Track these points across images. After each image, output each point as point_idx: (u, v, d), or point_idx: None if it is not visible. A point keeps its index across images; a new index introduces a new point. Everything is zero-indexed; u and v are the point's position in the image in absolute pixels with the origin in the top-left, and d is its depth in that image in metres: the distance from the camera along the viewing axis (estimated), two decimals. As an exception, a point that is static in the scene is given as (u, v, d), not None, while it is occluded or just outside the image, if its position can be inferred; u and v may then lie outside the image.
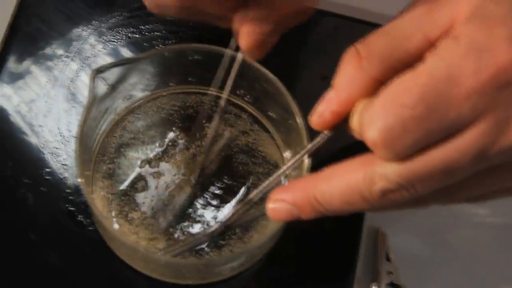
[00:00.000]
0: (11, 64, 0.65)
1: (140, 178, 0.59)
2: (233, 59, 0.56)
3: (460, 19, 0.34)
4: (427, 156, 0.34)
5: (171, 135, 0.61)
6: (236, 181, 0.60)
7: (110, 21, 0.68)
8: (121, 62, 0.56)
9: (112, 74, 0.55)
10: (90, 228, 0.59)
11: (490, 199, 0.39)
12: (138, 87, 0.61)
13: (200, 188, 0.59)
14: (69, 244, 0.59)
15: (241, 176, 0.60)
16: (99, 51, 0.66)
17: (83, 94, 0.64)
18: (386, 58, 0.36)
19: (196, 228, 0.58)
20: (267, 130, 0.62)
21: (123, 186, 0.59)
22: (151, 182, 0.59)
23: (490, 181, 0.36)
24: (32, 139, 0.62)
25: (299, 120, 0.56)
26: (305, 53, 0.68)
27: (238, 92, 0.62)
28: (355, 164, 0.37)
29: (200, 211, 0.59)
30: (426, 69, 0.34)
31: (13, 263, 0.58)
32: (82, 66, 0.65)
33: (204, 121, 0.62)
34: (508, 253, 0.63)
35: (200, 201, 0.59)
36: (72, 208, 0.60)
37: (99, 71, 0.54)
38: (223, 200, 0.59)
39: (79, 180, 0.53)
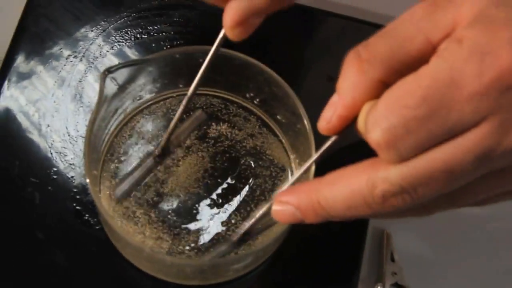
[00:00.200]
0: (19, 64, 0.66)
1: (147, 178, 0.60)
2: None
3: (463, 23, 0.34)
4: (429, 156, 0.34)
5: (178, 129, 0.61)
6: (242, 183, 0.60)
7: (118, 21, 0.68)
8: (131, 63, 0.56)
9: (122, 75, 0.56)
10: (97, 227, 0.59)
11: (494, 202, 0.39)
12: (147, 88, 0.61)
13: (207, 189, 0.60)
14: (76, 243, 0.60)
15: (247, 178, 0.61)
16: (106, 51, 0.67)
17: (91, 95, 0.64)
18: (387, 60, 0.36)
19: (202, 228, 0.58)
20: (275, 134, 0.63)
21: (131, 186, 0.59)
22: (158, 182, 0.60)
23: (495, 185, 0.36)
24: (40, 139, 0.63)
25: (307, 124, 0.56)
26: (311, 54, 0.68)
27: (247, 95, 0.63)
28: (359, 169, 0.37)
29: (206, 212, 0.59)
30: (429, 71, 0.34)
31: (20, 262, 0.59)
32: (90, 67, 0.66)
33: (211, 122, 0.62)
34: (512, 254, 0.64)
35: (206, 201, 0.59)
36: (79, 208, 0.60)
37: (109, 71, 0.55)
38: (228, 201, 0.59)
39: (86, 179, 0.53)
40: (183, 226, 0.58)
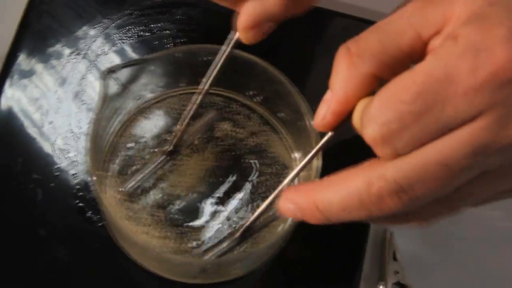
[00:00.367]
0: (22, 61, 0.66)
1: (150, 177, 0.60)
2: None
3: (456, 20, 0.35)
4: (425, 151, 0.34)
5: (191, 128, 0.61)
6: (246, 181, 0.60)
7: (120, 19, 0.68)
8: (133, 63, 0.56)
9: (124, 74, 0.56)
10: (99, 224, 0.59)
11: (491, 201, 0.39)
12: (148, 87, 0.61)
13: (211, 187, 0.60)
14: (78, 240, 0.60)
15: (251, 176, 0.61)
16: (109, 49, 0.67)
17: (93, 92, 0.64)
18: (377, 54, 0.37)
19: (206, 227, 0.58)
20: (277, 131, 0.63)
21: (134, 185, 0.59)
22: (162, 181, 0.60)
23: (493, 185, 0.36)
24: (42, 136, 0.63)
25: (309, 121, 0.56)
26: (315, 53, 0.68)
27: (248, 93, 0.63)
28: (356, 171, 0.37)
29: (210, 210, 0.59)
30: (424, 67, 0.34)
31: (22, 259, 0.59)
32: (93, 64, 0.66)
33: (214, 121, 0.62)
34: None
35: (210, 200, 0.59)
36: (81, 204, 0.60)
37: (111, 71, 0.55)
38: (232, 199, 0.59)
39: (93, 178, 0.53)
40: (188, 224, 0.58)
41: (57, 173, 0.61)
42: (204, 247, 0.57)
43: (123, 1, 0.69)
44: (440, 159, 0.34)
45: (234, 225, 0.58)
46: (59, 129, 0.63)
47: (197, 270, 0.56)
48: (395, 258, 0.62)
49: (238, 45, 0.52)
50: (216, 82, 0.61)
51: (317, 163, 0.54)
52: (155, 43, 0.67)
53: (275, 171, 0.61)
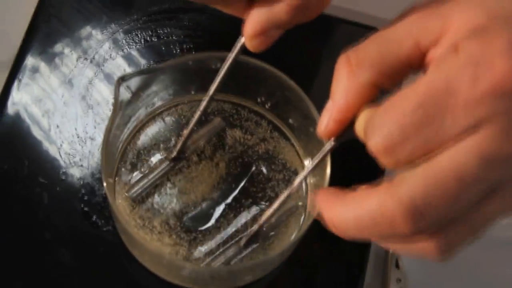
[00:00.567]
0: (29, 65, 0.66)
1: (161, 184, 0.60)
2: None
3: (455, 31, 0.35)
4: (434, 166, 0.34)
5: (195, 134, 0.62)
6: (255, 187, 0.61)
7: (128, 24, 0.68)
8: (145, 71, 0.57)
9: (135, 82, 0.56)
10: (104, 229, 0.60)
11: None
12: (160, 94, 0.61)
13: (221, 194, 0.60)
14: (83, 244, 0.60)
15: (260, 182, 0.61)
16: (116, 54, 0.67)
17: (100, 96, 0.65)
18: (376, 64, 0.37)
19: (217, 233, 0.58)
20: (287, 138, 0.63)
21: (138, 191, 0.59)
22: (173, 188, 0.60)
23: (508, 199, 0.36)
24: (49, 140, 0.63)
25: None
26: (321, 60, 0.69)
27: (257, 99, 0.63)
28: (371, 191, 0.37)
29: (220, 217, 0.59)
30: (425, 79, 0.34)
31: (27, 262, 0.59)
32: (100, 69, 0.66)
33: (220, 128, 0.62)
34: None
35: (221, 207, 0.59)
36: (86, 209, 0.61)
37: (123, 79, 0.55)
38: (242, 206, 0.60)
39: (104, 185, 0.54)
40: (199, 232, 0.58)
41: (63, 177, 0.62)
42: (214, 254, 0.57)
43: (130, 6, 0.69)
44: (451, 173, 0.34)
45: (244, 232, 0.58)
46: (65, 133, 0.63)
47: (209, 278, 0.56)
48: (397, 266, 0.62)
49: (246, 51, 0.52)
50: (225, 89, 0.62)
51: (327, 170, 0.54)
52: (162, 48, 0.67)
53: (285, 178, 0.61)
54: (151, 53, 0.67)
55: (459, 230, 0.36)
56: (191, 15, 0.69)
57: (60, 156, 0.62)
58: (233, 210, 0.59)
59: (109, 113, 0.63)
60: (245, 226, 0.59)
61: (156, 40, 0.68)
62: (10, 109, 0.64)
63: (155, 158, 0.61)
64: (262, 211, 0.59)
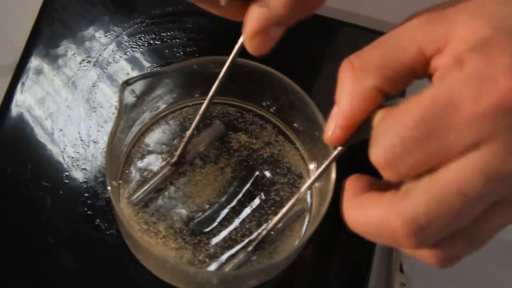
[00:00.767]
0: (33, 68, 0.66)
1: (166, 188, 0.60)
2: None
3: (460, 41, 0.35)
4: (437, 182, 0.34)
5: (195, 139, 0.61)
6: (260, 191, 0.61)
7: (131, 27, 0.68)
8: (149, 75, 0.57)
9: (140, 86, 0.56)
10: (108, 232, 0.60)
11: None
12: (164, 98, 0.61)
13: (225, 198, 0.60)
14: (86, 248, 0.60)
15: (265, 186, 0.61)
16: (120, 57, 0.67)
17: (103, 99, 0.65)
18: (380, 68, 0.37)
19: (222, 237, 0.58)
20: (291, 141, 0.63)
21: (149, 196, 0.59)
22: (178, 192, 0.60)
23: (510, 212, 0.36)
24: (52, 143, 0.63)
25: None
26: (323, 64, 0.69)
27: (263, 103, 0.63)
28: (378, 203, 0.37)
29: (225, 221, 0.59)
30: (429, 92, 0.34)
31: (30, 266, 0.59)
32: (103, 72, 0.66)
33: (228, 131, 0.62)
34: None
35: (225, 210, 0.59)
36: (90, 212, 0.60)
37: (127, 83, 0.55)
38: (247, 209, 0.60)
39: (108, 188, 0.54)
40: (204, 235, 0.58)
41: (66, 181, 0.62)
42: (219, 258, 0.57)
43: (134, 9, 0.69)
44: (454, 189, 0.34)
45: (249, 235, 0.58)
46: (69, 137, 0.63)
47: (214, 282, 0.56)
48: (401, 270, 0.62)
49: (251, 56, 0.52)
50: (230, 93, 0.61)
51: (332, 174, 0.54)
52: (165, 51, 0.67)
53: (290, 181, 0.61)
54: (155, 56, 0.67)
55: (461, 243, 0.36)
56: (195, 18, 0.69)
57: (64, 159, 0.62)
58: (238, 213, 0.59)
59: (113, 116, 0.63)
60: (250, 230, 0.58)
61: (159, 43, 0.68)
62: (14, 112, 0.64)
63: (159, 161, 0.61)
64: (266, 215, 0.59)
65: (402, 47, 0.37)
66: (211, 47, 0.68)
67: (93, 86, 0.65)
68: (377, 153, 0.35)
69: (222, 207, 0.59)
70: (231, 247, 0.58)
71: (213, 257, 0.57)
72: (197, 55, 0.67)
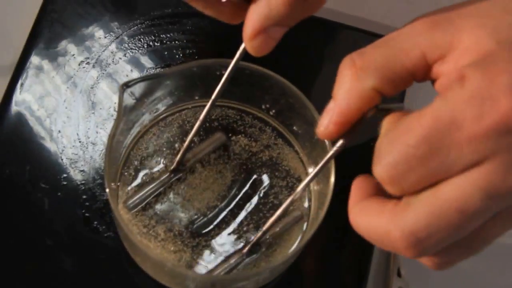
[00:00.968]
0: (32, 69, 0.66)
1: (165, 191, 0.60)
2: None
3: (463, 52, 0.35)
4: (437, 198, 0.34)
5: (195, 148, 0.61)
6: (259, 194, 0.60)
7: (131, 29, 0.68)
8: (149, 77, 0.56)
9: (139, 88, 0.56)
10: (105, 235, 0.60)
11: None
12: (163, 100, 0.61)
13: (224, 201, 0.60)
14: (84, 250, 0.60)
15: (264, 189, 0.61)
16: (119, 58, 0.67)
17: (103, 101, 0.65)
18: (381, 69, 0.37)
19: (220, 240, 0.58)
20: (291, 144, 0.63)
21: (148, 199, 0.59)
22: (176, 195, 0.60)
23: (508, 222, 0.37)
24: (51, 145, 0.63)
25: None
26: (323, 66, 0.69)
27: (262, 106, 0.63)
28: (380, 211, 0.37)
29: (223, 224, 0.59)
30: (431, 110, 0.34)
31: (28, 268, 0.59)
32: (102, 73, 0.66)
33: (229, 134, 0.62)
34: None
35: (224, 214, 0.59)
36: (88, 214, 0.60)
37: (127, 85, 0.55)
38: (246, 212, 0.59)
39: (107, 190, 0.53)
40: (202, 238, 0.58)
41: (65, 183, 0.61)
42: (218, 261, 0.57)
43: (134, 10, 0.69)
44: (454, 205, 0.34)
45: (248, 238, 0.58)
46: (67, 138, 0.63)
47: (211, 285, 0.56)
48: (399, 274, 0.62)
49: (251, 58, 0.51)
50: (229, 95, 0.61)
51: (331, 178, 0.54)
52: (165, 53, 0.67)
53: (288, 185, 0.61)
54: (154, 57, 0.67)
55: (458, 249, 0.37)
56: (194, 20, 0.69)
57: (62, 161, 0.62)
58: (236, 216, 0.59)
59: (111, 118, 0.63)
60: (248, 233, 0.58)
61: (159, 44, 0.68)
62: (13, 112, 0.64)
63: (158, 164, 0.60)
64: (265, 218, 0.59)
65: (405, 50, 0.37)
66: (210, 49, 0.68)
67: (92, 88, 0.65)
68: (381, 170, 0.35)
69: (221, 210, 0.59)
70: (230, 250, 0.57)
71: (212, 260, 0.57)
72: (196, 57, 0.67)
